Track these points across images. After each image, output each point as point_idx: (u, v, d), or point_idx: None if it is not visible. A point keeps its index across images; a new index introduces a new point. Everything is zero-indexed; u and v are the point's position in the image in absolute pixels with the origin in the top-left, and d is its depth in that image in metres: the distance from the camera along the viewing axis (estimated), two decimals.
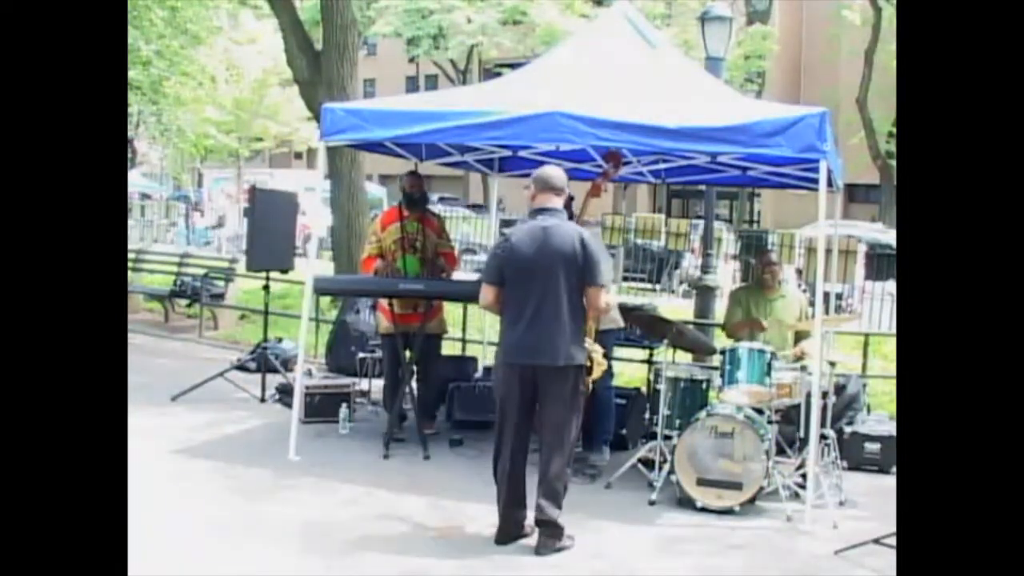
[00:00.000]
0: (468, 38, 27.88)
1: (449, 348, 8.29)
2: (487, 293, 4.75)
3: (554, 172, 4.86)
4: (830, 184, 5.73)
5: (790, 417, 6.13)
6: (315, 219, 16.77)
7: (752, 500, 5.45)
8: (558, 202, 4.78)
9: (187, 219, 25.94)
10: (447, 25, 28.06)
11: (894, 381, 7.02)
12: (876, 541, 4.68)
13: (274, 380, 7.94)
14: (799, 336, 6.61)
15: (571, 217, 6.23)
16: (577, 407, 4.71)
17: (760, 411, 5.78)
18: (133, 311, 12.06)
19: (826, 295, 6.84)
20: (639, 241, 17.20)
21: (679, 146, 5.92)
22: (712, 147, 5.97)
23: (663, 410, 5.84)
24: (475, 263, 15.84)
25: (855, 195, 31.86)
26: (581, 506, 5.45)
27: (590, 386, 4.89)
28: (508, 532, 4.76)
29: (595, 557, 4.72)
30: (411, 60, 38.12)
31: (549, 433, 4.69)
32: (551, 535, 4.67)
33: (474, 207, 27.22)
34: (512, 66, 13.55)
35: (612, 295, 6.56)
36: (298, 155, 43.47)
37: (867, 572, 4.62)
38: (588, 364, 4.72)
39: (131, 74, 14.62)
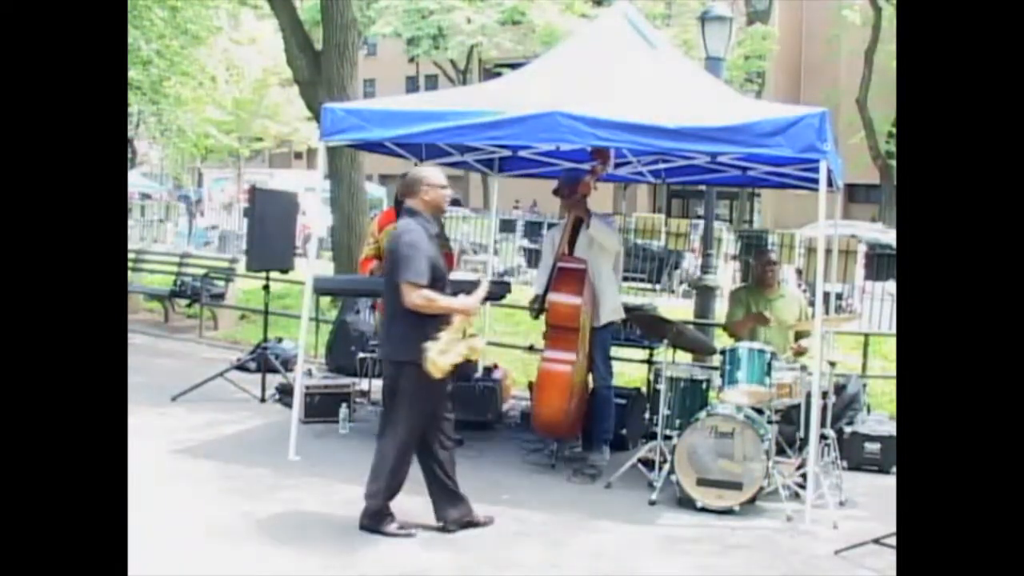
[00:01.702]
0: (468, 38, 27.88)
1: None
2: None
3: (412, 174, 5.01)
4: (830, 184, 5.73)
5: (790, 417, 6.12)
6: (315, 219, 16.76)
7: (752, 500, 5.45)
8: (411, 203, 4.90)
9: (190, 218, 26.09)
10: (447, 25, 28.05)
11: (894, 381, 7.02)
12: (876, 541, 4.68)
13: (274, 380, 7.94)
14: (799, 336, 6.62)
15: (587, 214, 6.27)
16: (408, 403, 4.70)
17: (760, 411, 5.78)
18: (133, 311, 12.05)
19: (826, 295, 6.83)
20: (639, 241, 17.19)
21: (679, 146, 5.92)
22: (712, 147, 5.96)
23: (663, 410, 5.84)
24: (475, 263, 15.85)
25: (855, 195, 31.89)
26: (581, 506, 5.46)
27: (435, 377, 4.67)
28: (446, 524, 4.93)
29: (595, 557, 4.72)
30: (411, 60, 38.10)
31: None
32: (366, 517, 4.80)
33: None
34: (512, 66, 13.55)
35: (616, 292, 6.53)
36: (298, 155, 43.50)
37: (867, 572, 4.62)
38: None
39: (131, 74, 14.62)
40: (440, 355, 4.57)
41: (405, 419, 4.74)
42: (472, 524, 4.95)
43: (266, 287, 8.15)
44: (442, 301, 4.71)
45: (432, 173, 4.98)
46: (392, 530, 4.78)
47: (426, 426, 4.79)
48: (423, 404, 4.73)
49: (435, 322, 4.63)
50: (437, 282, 4.72)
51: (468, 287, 4.98)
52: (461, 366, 7.88)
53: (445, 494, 4.90)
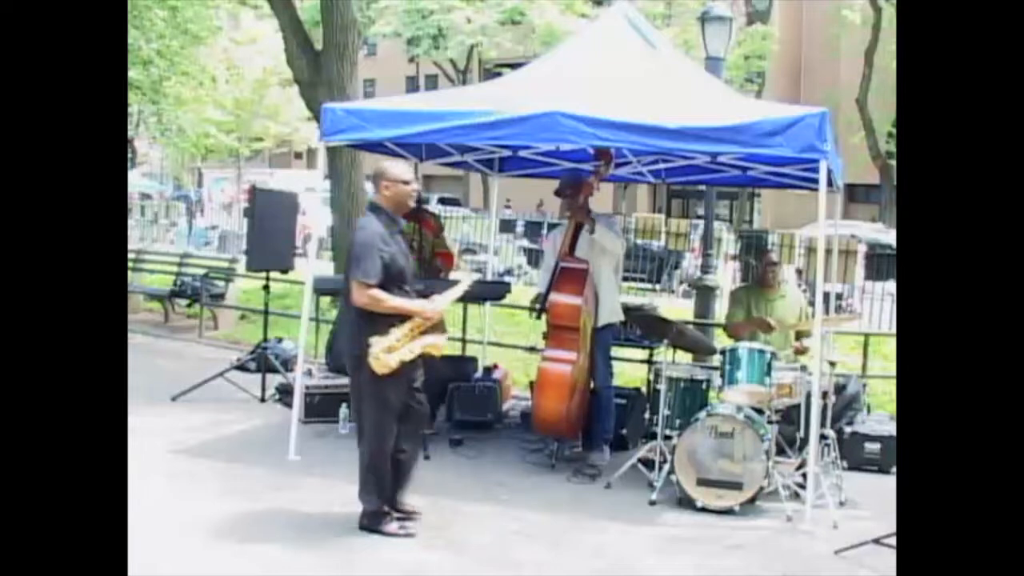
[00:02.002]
0: (468, 38, 27.90)
1: (449, 348, 8.25)
2: None
3: (376, 168, 4.86)
4: (830, 184, 5.73)
5: (790, 417, 6.12)
6: (315, 219, 16.78)
7: (752, 500, 5.45)
8: (375, 199, 4.81)
9: (190, 218, 26.09)
10: (447, 25, 28.08)
11: (894, 381, 7.02)
12: (876, 541, 4.68)
13: (274, 380, 7.94)
14: (799, 335, 6.62)
15: (588, 214, 6.27)
16: (370, 397, 4.67)
17: (760, 411, 5.78)
18: (133, 311, 12.05)
19: (826, 295, 6.84)
20: (639, 241, 17.19)
21: (679, 146, 5.92)
22: (712, 147, 5.96)
23: (663, 410, 5.84)
24: (476, 263, 15.85)
25: (855, 195, 31.88)
26: (581, 506, 5.46)
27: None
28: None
29: (595, 557, 4.73)
30: (411, 60, 38.09)
31: None
32: (365, 517, 4.79)
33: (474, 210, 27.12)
34: (512, 66, 13.54)
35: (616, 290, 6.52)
36: (298, 155, 43.50)
37: (867, 572, 4.62)
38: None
39: (131, 74, 14.62)
40: (386, 352, 4.52)
41: (370, 413, 4.71)
42: (403, 512, 4.92)
43: (266, 287, 8.15)
44: (392, 301, 4.60)
45: (394, 167, 4.84)
46: (391, 530, 4.77)
47: (397, 417, 4.74)
48: (385, 397, 4.67)
49: (391, 320, 4.58)
50: (393, 280, 4.63)
51: (445, 286, 4.96)
52: (461, 366, 7.96)
53: (395, 480, 4.88)
